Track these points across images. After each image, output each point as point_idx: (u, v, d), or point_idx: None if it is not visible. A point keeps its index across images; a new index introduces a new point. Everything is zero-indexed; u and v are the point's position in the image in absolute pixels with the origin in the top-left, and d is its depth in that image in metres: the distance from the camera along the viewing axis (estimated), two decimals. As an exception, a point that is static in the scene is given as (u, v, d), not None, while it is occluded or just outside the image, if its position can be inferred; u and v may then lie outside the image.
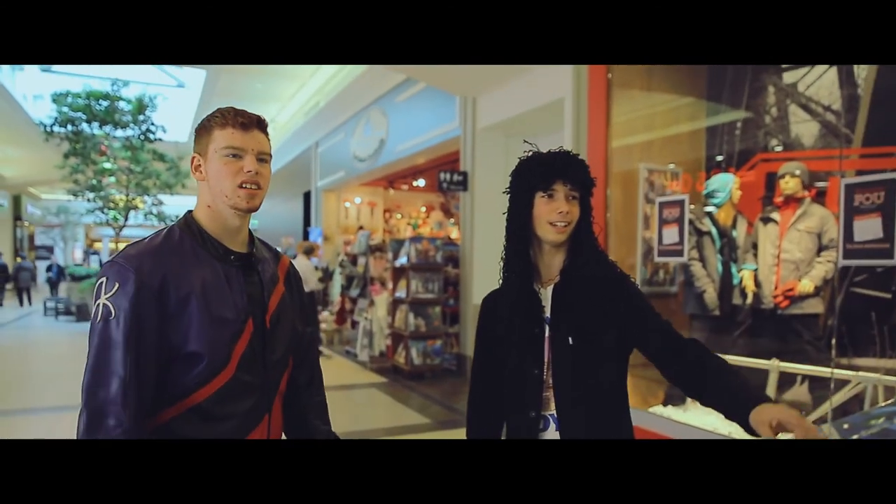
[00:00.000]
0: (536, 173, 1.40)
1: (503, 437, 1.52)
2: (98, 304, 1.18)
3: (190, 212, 1.35)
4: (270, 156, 1.33)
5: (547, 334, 1.41)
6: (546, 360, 1.40)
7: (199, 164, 1.30)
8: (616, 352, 1.39)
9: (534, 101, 5.88)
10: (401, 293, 7.33)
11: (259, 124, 1.31)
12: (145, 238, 1.29)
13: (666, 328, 1.41)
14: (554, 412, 1.39)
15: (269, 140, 1.34)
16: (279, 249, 1.59)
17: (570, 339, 1.37)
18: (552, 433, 1.40)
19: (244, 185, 1.26)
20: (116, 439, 1.12)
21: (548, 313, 1.42)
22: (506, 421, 1.50)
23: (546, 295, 1.44)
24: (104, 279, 1.19)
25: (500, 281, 1.52)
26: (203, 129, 1.30)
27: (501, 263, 1.50)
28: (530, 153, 1.46)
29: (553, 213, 1.38)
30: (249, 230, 1.39)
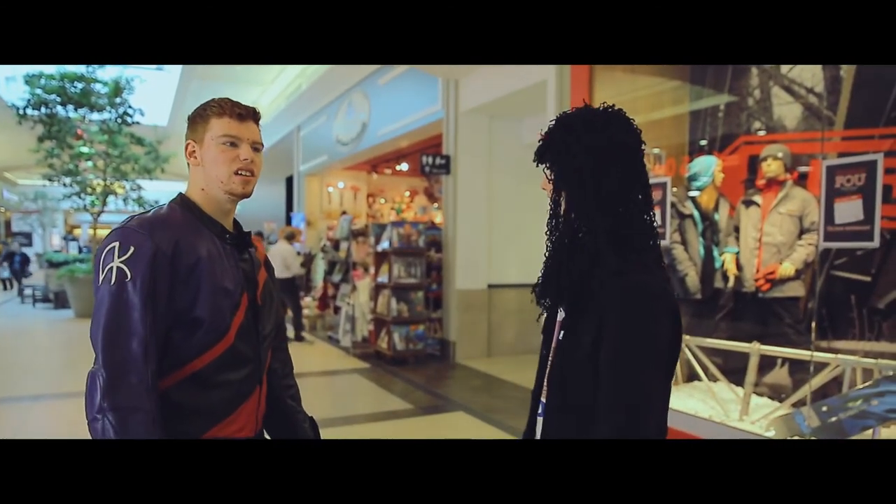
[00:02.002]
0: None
1: None
2: (110, 268, 1.22)
3: (181, 194, 1.42)
4: (262, 145, 1.43)
5: (559, 318, 1.24)
6: (554, 343, 1.23)
7: (195, 150, 1.38)
8: (592, 355, 1.14)
9: (516, 84, 5.82)
10: (383, 278, 7.27)
11: (254, 115, 1.41)
12: (146, 212, 1.35)
13: (604, 377, 1.10)
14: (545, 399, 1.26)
15: (260, 131, 1.44)
16: (262, 234, 1.60)
17: (562, 332, 1.20)
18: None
19: (239, 172, 1.35)
20: (135, 401, 1.17)
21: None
22: None
23: None
24: (116, 243, 1.24)
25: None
26: (199, 118, 1.38)
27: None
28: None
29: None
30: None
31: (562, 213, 1.21)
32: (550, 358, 1.25)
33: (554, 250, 1.22)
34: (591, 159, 1.16)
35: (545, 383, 1.26)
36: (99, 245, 1.31)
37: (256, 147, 1.40)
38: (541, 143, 1.24)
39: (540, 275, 1.28)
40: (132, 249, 1.23)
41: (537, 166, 1.25)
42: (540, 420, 1.28)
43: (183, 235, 1.30)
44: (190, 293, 1.28)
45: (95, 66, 11.97)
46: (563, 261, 1.19)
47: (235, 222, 1.48)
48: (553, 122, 1.24)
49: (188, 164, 1.42)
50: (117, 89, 12.33)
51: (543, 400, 1.26)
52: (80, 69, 11.99)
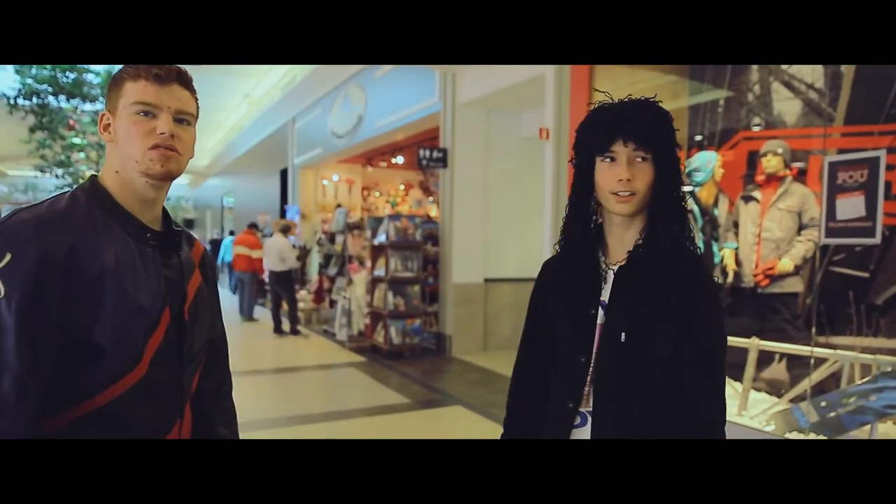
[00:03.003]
0: (593, 133, 1.19)
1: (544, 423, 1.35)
2: None
3: (95, 176, 1.14)
4: (194, 116, 1.15)
5: (600, 321, 1.21)
6: (595, 348, 1.21)
7: (109, 123, 1.11)
8: (672, 359, 1.17)
9: (515, 77, 5.79)
10: (379, 272, 7.26)
11: (180, 77, 1.12)
12: (41, 202, 1.07)
13: (696, 368, 1.16)
14: (591, 408, 1.21)
15: (194, 97, 1.15)
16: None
17: (622, 334, 1.17)
18: (585, 432, 1.22)
19: (157, 147, 1.07)
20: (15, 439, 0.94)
21: (606, 297, 1.22)
22: (548, 403, 1.30)
23: (609, 275, 1.23)
24: None
25: (557, 249, 1.32)
26: (114, 82, 1.11)
27: (561, 232, 1.29)
28: (598, 105, 1.23)
29: (613, 182, 1.16)
30: (164, 206, 1.21)
31: (651, 198, 1.19)
32: (594, 363, 1.21)
33: (653, 231, 1.21)
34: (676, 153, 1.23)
35: (588, 392, 1.21)
36: None
37: (181, 118, 1.11)
38: (660, 125, 1.19)
39: (617, 261, 1.23)
40: (8, 256, 0.95)
41: (634, 148, 1.17)
42: (582, 430, 1.23)
43: (82, 237, 1.03)
44: (90, 312, 1.01)
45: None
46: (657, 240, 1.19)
47: (165, 215, 1.20)
48: (650, 109, 1.20)
49: (93, 146, 1.15)
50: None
51: (585, 410, 1.22)
52: (72, 59, 11.86)
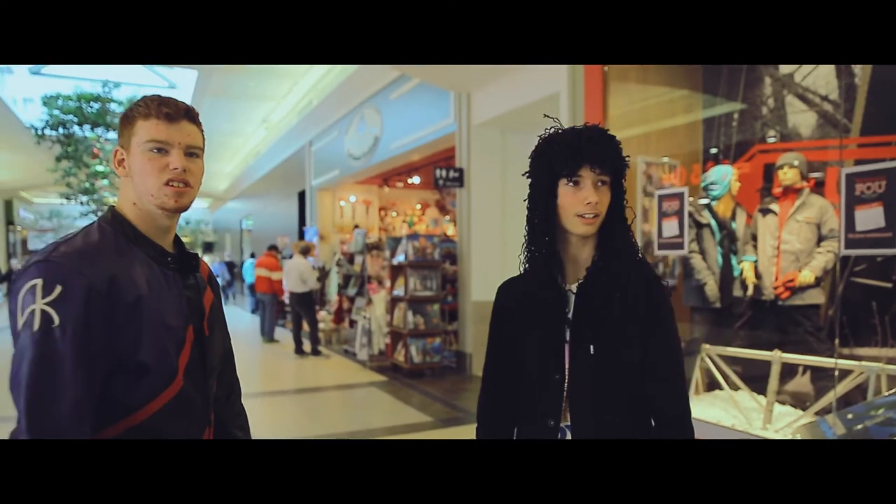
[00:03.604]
0: (559, 157, 1.23)
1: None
2: (31, 311, 1.01)
3: (113, 208, 1.22)
4: (202, 149, 1.24)
5: (567, 338, 1.28)
6: (566, 365, 1.28)
7: (123, 159, 1.20)
8: (639, 365, 1.25)
9: (529, 96, 5.86)
10: (399, 291, 7.31)
11: (188, 114, 1.21)
12: (72, 235, 1.15)
13: (661, 366, 1.26)
14: (570, 423, 1.28)
15: (201, 131, 1.24)
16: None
17: (591, 347, 1.24)
18: None
19: (171, 183, 1.16)
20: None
21: (570, 314, 1.29)
22: (518, 428, 1.36)
23: (569, 293, 1.30)
24: (38, 281, 1.03)
25: (521, 271, 1.37)
26: (126, 120, 1.19)
27: (523, 254, 1.34)
28: (552, 130, 1.30)
29: (580, 204, 1.21)
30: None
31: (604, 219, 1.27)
32: (568, 379, 1.27)
33: (603, 251, 1.29)
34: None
35: (565, 407, 1.28)
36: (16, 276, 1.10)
37: (192, 152, 1.20)
38: (617, 152, 1.27)
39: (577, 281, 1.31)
40: (59, 289, 1.02)
41: (599, 172, 1.24)
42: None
43: (120, 267, 1.11)
44: (131, 335, 1.09)
45: (110, 85, 12.18)
46: (611, 258, 1.27)
47: (177, 240, 1.29)
48: (611, 138, 1.27)
49: (116, 174, 1.22)
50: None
51: (564, 425, 1.28)
52: (96, 90, 12.21)
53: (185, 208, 1.21)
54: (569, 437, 1.27)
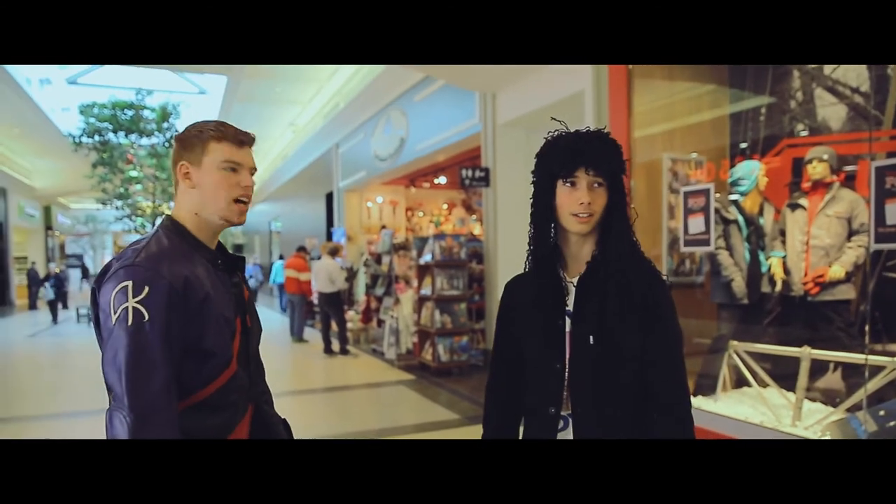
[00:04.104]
0: (558, 159, 1.31)
1: (521, 431, 1.46)
2: (125, 308, 1.20)
3: (171, 218, 1.39)
4: (256, 170, 1.45)
5: (568, 329, 1.34)
6: (567, 355, 1.34)
7: (188, 172, 1.36)
8: (640, 355, 1.30)
9: (554, 95, 5.86)
10: (426, 290, 7.37)
11: (251, 142, 1.42)
12: (144, 241, 1.32)
13: (661, 362, 1.30)
14: (571, 411, 1.33)
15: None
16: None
17: (590, 337, 1.30)
18: (568, 434, 1.34)
19: (240, 200, 1.37)
20: (167, 437, 1.19)
21: (571, 306, 1.35)
22: (525, 415, 1.43)
23: (570, 287, 1.37)
24: (129, 283, 1.21)
25: (525, 268, 1.45)
26: (197, 139, 1.35)
27: (527, 249, 1.43)
28: (556, 133, 1.37)
29: (574, 204, 1.30)
30: None
31: (601, 218, 1.33)
32: (569, 369, 1.33)
33: (604, 247, 1.35)
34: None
35: (566, 397, 1.33)
36: (97, 279, 1.30)
37: (253, 173, 1.42)
38: (614, 155, 1.33)
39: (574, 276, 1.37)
40: (147, 289, 1.21)
41: (594, 174, 1.30)
42: (565, 433, 1.34)
43: (189, 269, 1.30)
44: (199, 327, 1.28)
45: (143, 92, 12.50)
46: (609, 253, 1.33)
47: (219, 244, 1.47)
48: (608, 141, 1.33)
49: (176, 184, 1.38)
50: (164, 115, 12.85)
51: (566, 414, 1.34)
52: (129, 98, 12.55)
53: (243, 223, 1.42)
54: (570, 426, 1.33)
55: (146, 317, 1.20)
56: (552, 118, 1.44)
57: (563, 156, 1.31)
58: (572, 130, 1.35)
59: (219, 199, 1.35)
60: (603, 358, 1.30)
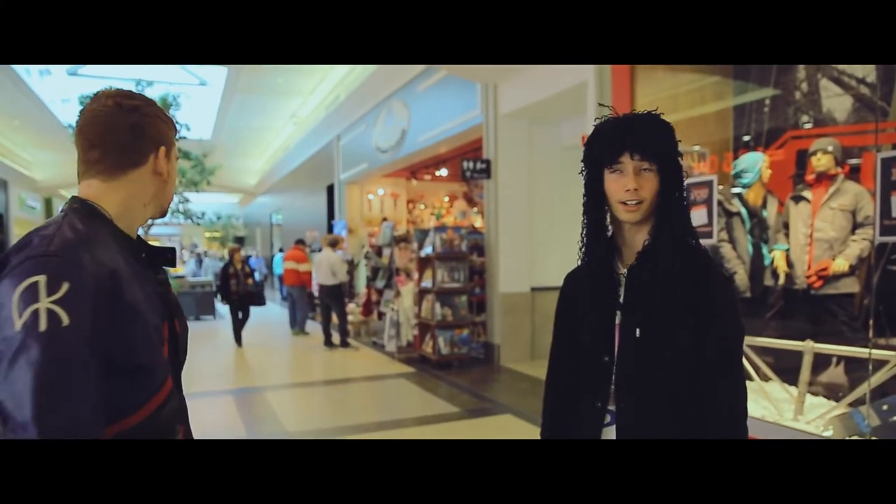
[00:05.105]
0: (601, 146, 1.26)
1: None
2: (35, 311, 0.90)
3: (81, 200, 1.11)
4: None
5: (618, 321, 1.29)
6: (616, 348, 1.29)
7: (159, 158, 1.16)
8: (689, 350, 1.23)
9: (556, 86, 5.82)
10: (427, 283, 7.35)
11: None
12: (53, 226, 1.03)
13: (717, 362, 1.22)
14: (615, 405, 1.29)
15: None
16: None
17: (637, 330, 1.25)
18: (612, 430, 1.29)
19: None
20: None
21: (622, 298, 1.30)
22: (579, 409, 1.37)
23: (622, 278, 1.31)
24: (40, 278, 0.93)
25: (578, 260, 1.40)
26: (166, 124, 1.18)
27: (580, 241, 1.37)
28: (604, 118, 1.31)
29: (620, 191, 1.24)
30: None
31: (656, 204, 1.26)
32: (616, 362, 1.28)
33: (657, 235, 1.27)
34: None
35: (612, 391, 1.29)
36: None
37: None
38: (661, 138, 1.25)
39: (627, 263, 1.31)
40: (66, 286, 0.93)
41: (639, 159, 1.24)
42: (610, 429, 1.30)
43: (116, 262, 1.03)
44: (128, 335, 1.02)
45: (143, 83, 12.46)
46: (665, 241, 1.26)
47: (138, 235, 1.23)
48: (654, 123, 1.26)
49: (124, 165, 1.12)
50: (165, 106, 12.78)
51: (611, 408, 1.29)
52: (130, 89, 12.46)
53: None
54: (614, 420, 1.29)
55: (64, 321, 0.91)
56: (600, 104, 1.39)
57: (606, 141, 1.25)
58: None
59: (170, 192, 1.23)
60: (648, 351, 1.24)
